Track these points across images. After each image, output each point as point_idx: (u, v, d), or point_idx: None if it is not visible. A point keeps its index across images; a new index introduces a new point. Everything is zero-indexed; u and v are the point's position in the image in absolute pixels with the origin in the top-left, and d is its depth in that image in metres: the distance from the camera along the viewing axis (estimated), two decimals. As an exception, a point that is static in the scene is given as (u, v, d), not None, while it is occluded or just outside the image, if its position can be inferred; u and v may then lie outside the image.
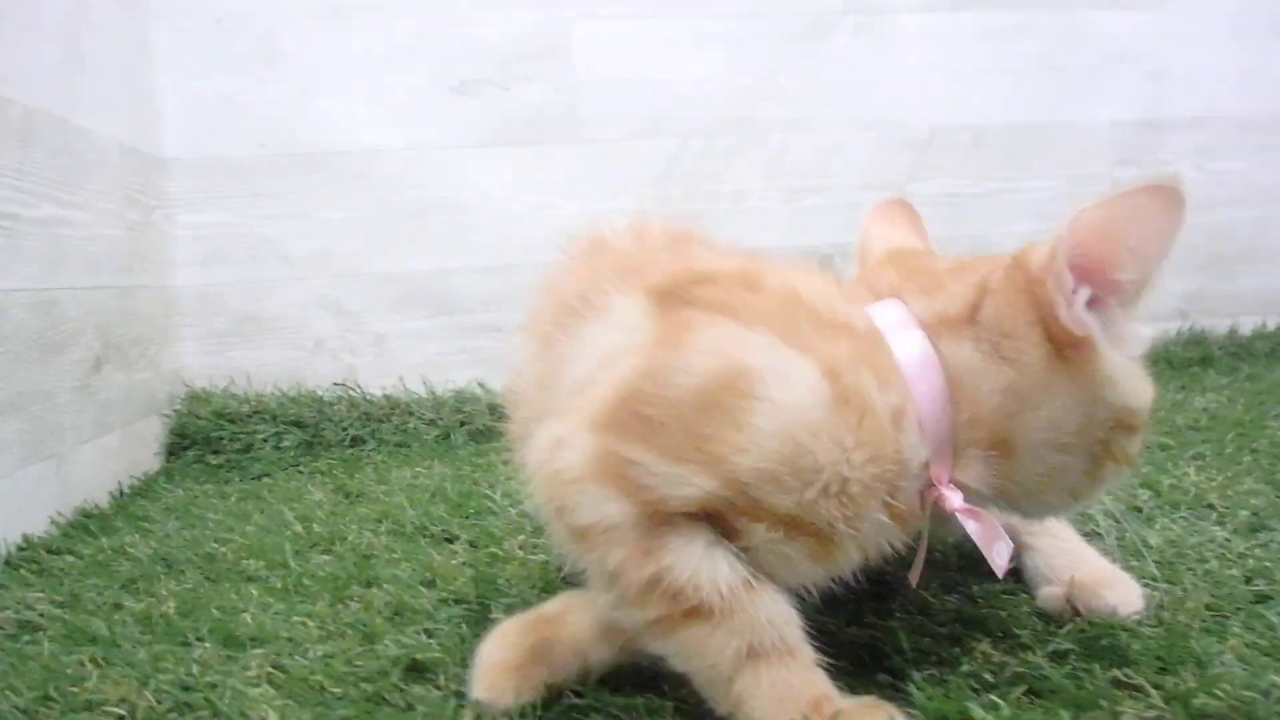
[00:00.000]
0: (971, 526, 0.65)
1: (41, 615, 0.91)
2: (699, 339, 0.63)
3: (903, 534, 0.65)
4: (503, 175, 1.85)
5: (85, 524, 1.25)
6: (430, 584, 0.94)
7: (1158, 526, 0.97)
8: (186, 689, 0.72)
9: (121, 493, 1.45)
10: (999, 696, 0.63)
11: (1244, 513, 1.00)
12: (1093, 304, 0.63)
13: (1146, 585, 0.79)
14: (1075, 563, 0.81)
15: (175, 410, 1.70)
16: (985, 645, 0.70)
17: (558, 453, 0.62)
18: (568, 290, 0.77)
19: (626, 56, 1.88)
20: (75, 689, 0.72)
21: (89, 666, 0.76)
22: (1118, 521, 0.92)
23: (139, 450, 1.56)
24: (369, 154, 1.81)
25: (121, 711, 0.68)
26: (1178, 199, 0.62)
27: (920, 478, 0.64)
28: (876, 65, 1.97)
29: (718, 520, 0.61)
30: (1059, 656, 0.69)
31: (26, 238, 1.20)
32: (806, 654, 0.62)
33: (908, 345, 0.65)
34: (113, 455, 1.46)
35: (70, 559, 1.10)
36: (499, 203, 1.86)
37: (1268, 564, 0.85)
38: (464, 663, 0.71)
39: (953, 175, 2.01)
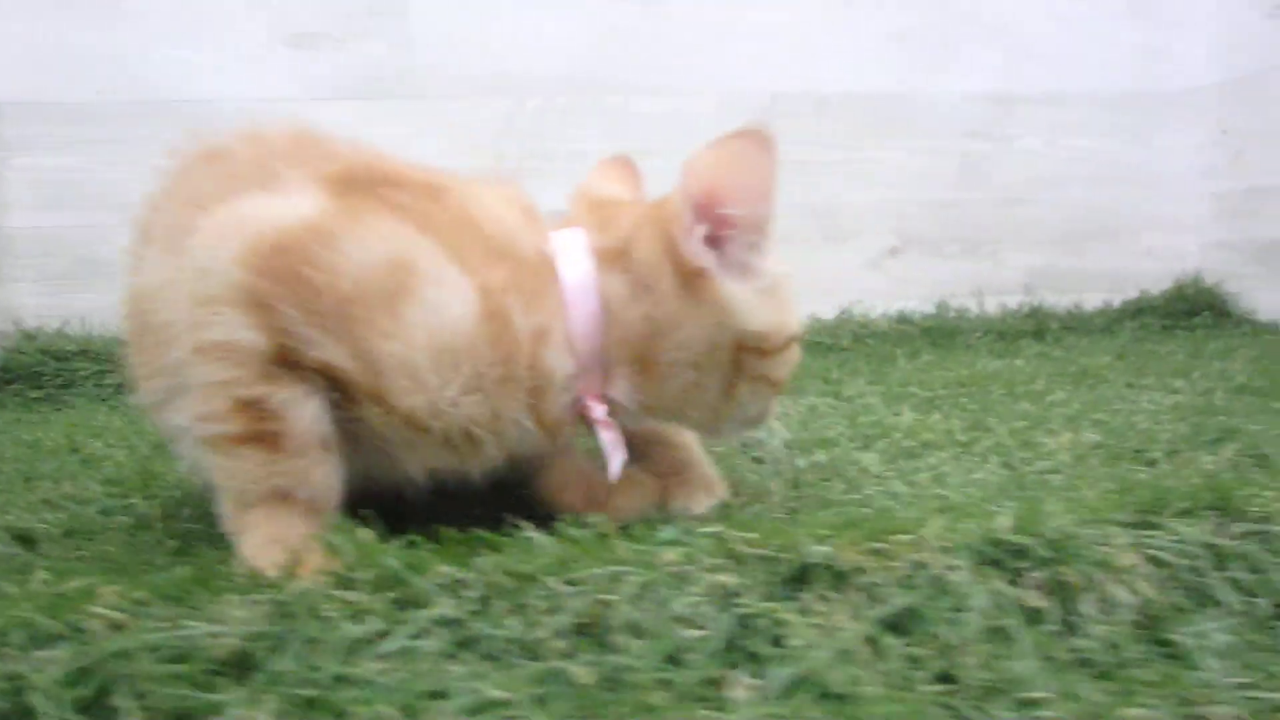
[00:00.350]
0: (604, 435, 0.73)
1: None
2: (376, 225, 0.69)
3: (552, 440, 0.74)
4: (336, 129, 1.89)
5: None
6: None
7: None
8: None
9: (-74, 419, 1.52)
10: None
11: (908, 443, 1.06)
12: (716, 241, 0.71)
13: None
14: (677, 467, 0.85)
15: (2, 347, 1.76)
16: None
17: (201, 281, 0.66)
18: (187, 195, 0.81)
19: (465, 13, 1.91)
20: None
21: None
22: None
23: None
24: (207, 103, 1.85)
25: None
26: (769, 142, 0.70)
27: (570, 390, 0.72)
28: (719, 29, 1.98)
29: (341, 386, 0.67)
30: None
31: None
32: (326, 522, 0.67)
33: (573, 272, 0.73)
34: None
35: None
36: (335, 155, 1.90)
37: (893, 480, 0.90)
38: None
39: (796, 142, 2.02)
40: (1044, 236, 2.12)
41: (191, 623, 0.52)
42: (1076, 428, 1.11)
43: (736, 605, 0.55)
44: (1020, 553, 0.59)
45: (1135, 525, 0.63)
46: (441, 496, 0.75)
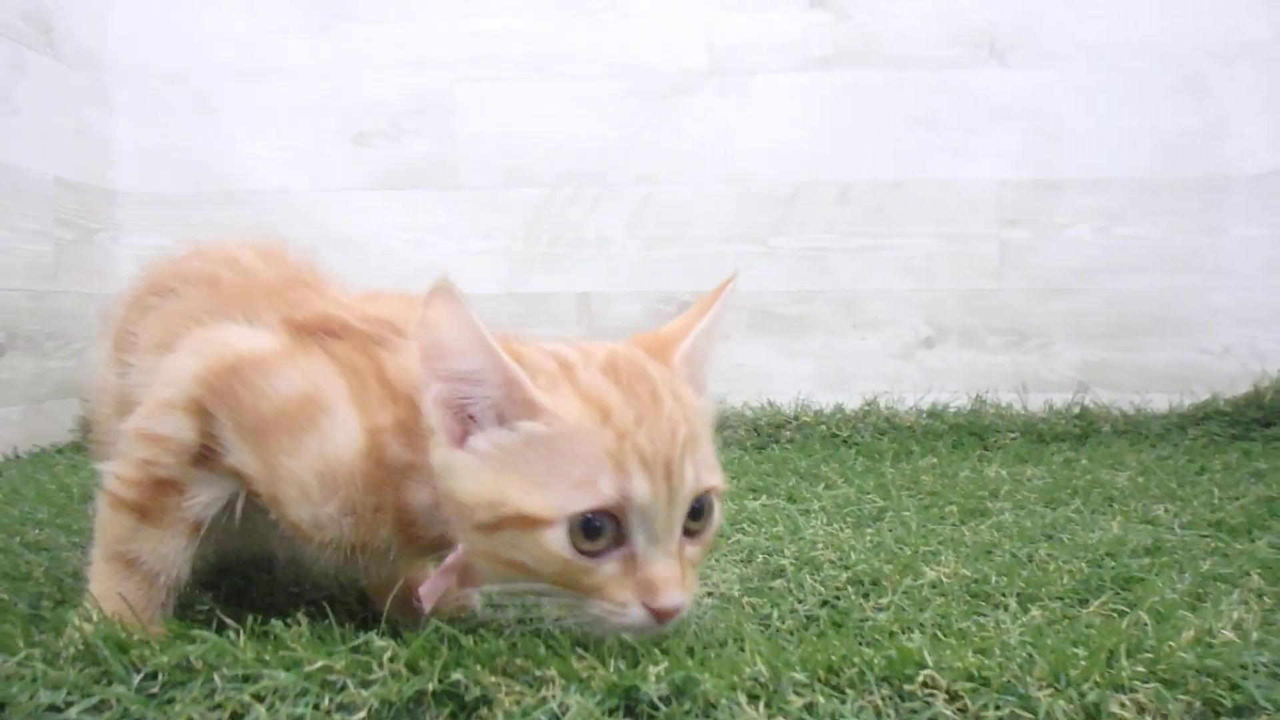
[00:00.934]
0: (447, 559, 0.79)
1: None
2: (305, 365, 0.80)
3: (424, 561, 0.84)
4: (388, 216, 2.10)
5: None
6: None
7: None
8: None
9: (17, 455, 1.81)
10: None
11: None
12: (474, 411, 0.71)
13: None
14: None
15: (85, 412, 2.06)
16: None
17: (166, 388, 0.80)
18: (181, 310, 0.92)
19: (502, 113, 2.08)
20: None
21: None
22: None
23: (48, 425, 1.92)
24: (278, 193, 2.11)
25: None
26: (451, 296, 0.68)
27: (435, 520, 0.76)
28: (740, 122, 2.04)
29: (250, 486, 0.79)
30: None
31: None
32: (158, 595, 0.79)
33: None
34: (12, 426, 1.82)
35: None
36: (383, 239, 2.10)
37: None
38: None
39: (818, 230, 2.03)
40: (1097, 330, 1.98)
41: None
42: (970, 555, 1.05)
43: None
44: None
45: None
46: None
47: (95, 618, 0.72)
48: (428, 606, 0.78)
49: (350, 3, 2.10)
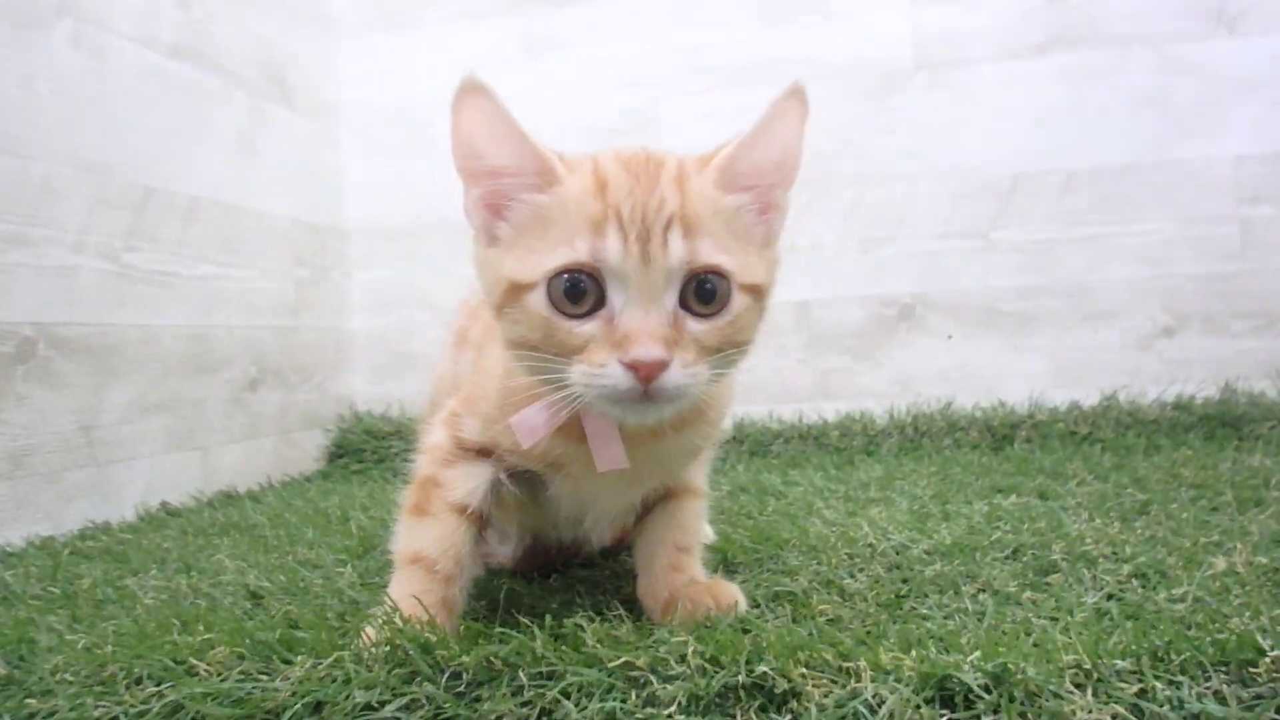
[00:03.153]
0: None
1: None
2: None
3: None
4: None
5: (215, 501, 1.72)
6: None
7: (924, 548, 1.02)
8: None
9: (270, 484, 1.92)
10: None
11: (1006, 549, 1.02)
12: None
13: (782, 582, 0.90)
14: None
15: (339, 428, 2.17)
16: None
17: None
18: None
19: (708, 126, 2.09)
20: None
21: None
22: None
23: (296, 455, 2.04)
24: (449, 226, 2.18)
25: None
26: (481, 93, 0.77)
27: None
28: (952, 116, 2.00)
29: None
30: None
31: (184, 289, 1.71)
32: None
33: None
34: (264, 455, 1.93)
35: (179, 519, 1.56)
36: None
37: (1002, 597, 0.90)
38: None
39: (1041, 221, 1.97)
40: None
41: (262, 677, 0.70)
42: (1262, 544, 1.00)
43: None
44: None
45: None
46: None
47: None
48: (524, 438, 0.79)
49: (558, 29, 2.16)
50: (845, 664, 0.66)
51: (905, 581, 0.94)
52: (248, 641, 0.76)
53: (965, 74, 1.99)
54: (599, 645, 0.71)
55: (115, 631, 0.86)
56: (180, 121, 1.74)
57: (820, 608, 0.85)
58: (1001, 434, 1.87)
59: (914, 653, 0.67)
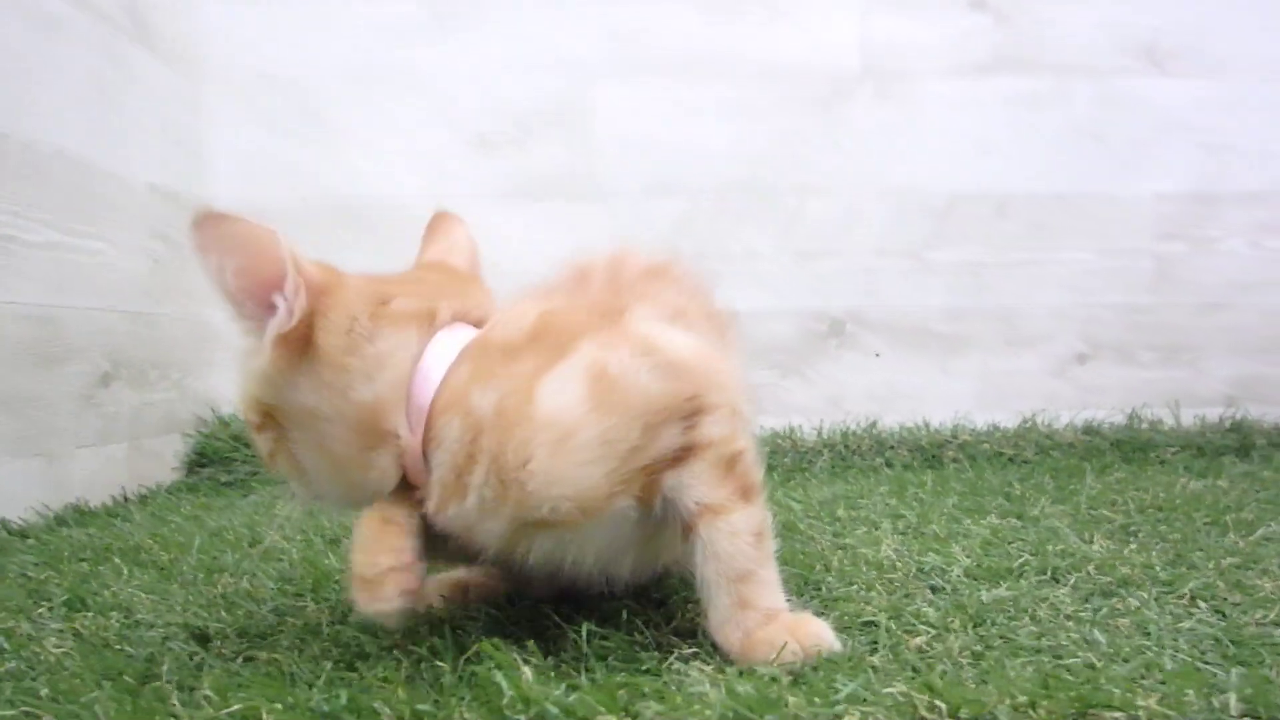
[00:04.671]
0: None
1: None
2: None
3: None
4: (518, 228, 1.94)
5: (65, 517, 1.39)
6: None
7: (1003, 585, 0.92)
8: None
9: (125, 497, 1.59)
10: None
11: (1104, 579, 0.94)
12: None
13: (923, 631, 0.77)
14: None
15: (199, 432, 1.84)
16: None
17: None
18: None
19: (644, 119, 1.95)
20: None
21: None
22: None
23: (152, 463, 1.71)
24: (394, 203, 1.93)
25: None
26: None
27: None
28: (896, 131, 1.96)
29: None
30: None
31: (25, 259, 1.37)
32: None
33: None
34: (118, 464, 1.60)
35: (28, 540, 1.23)
36: (513, 254, 1.94)
37: (1088, 624, 0.80)
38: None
39: (975, 244, 1.97)
40: (1249, 344, 1.97)
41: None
42: None
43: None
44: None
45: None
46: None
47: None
48: None
49: (478, -2, 1.94)
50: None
51: (962, 609, 0.84)
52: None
53: (912, 88, 1.95)
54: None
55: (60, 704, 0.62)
56: (24, 52, 1.39)
57: (911, 641, 0.74)
58: (930, 453, 1.85)
59: (1177, 695, 0.56)
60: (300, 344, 0.70)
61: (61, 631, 0.84)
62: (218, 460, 1.81)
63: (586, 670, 0.68)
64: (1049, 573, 0.98)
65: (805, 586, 0.92)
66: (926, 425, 1.92)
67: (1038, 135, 1.96)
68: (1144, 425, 1.93)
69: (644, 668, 0.68)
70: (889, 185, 1.96)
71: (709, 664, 0.69)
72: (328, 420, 0.70)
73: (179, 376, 1.80)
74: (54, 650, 0.78)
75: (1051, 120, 1.96)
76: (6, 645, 0.80)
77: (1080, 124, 1.97)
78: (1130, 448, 1.86)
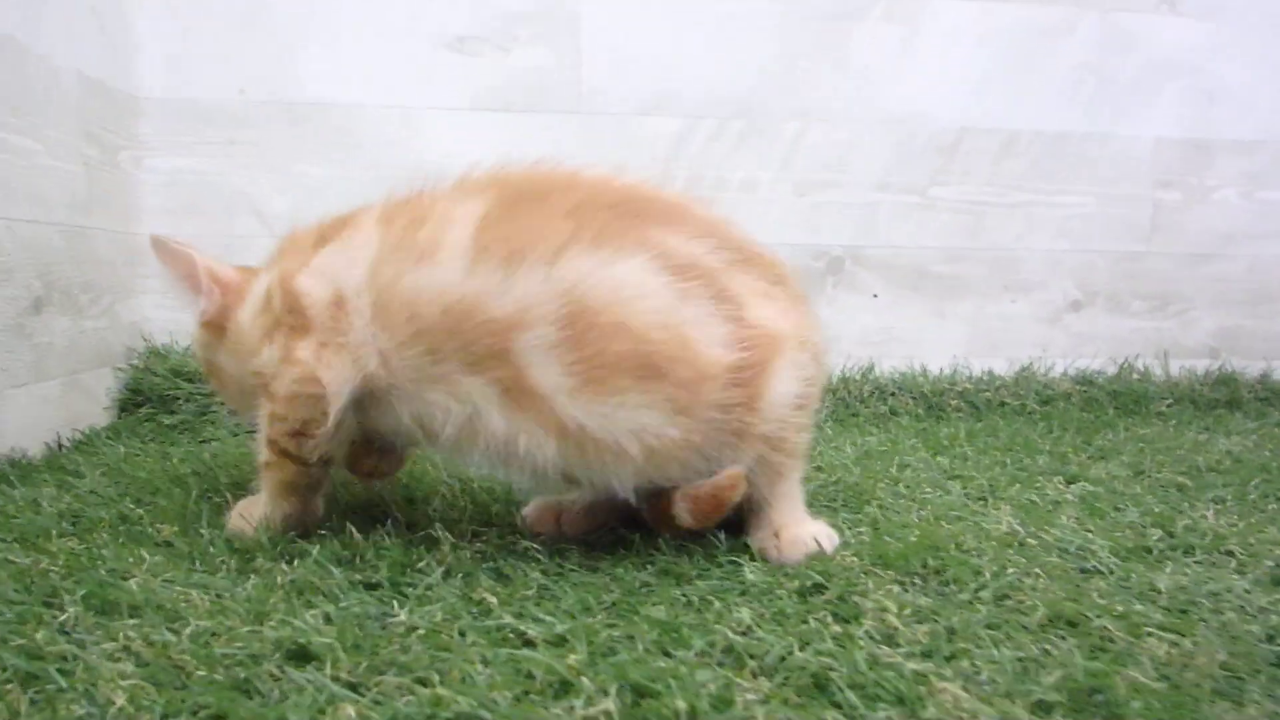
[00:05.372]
0: None
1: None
2: None
3: None
4: (495, 143, 1.75)
5: (6, 473, 1.17)
6: (347, 563, 0.84)
7: (1168, 570, 0.85)
8: (35, 657, 0.63)
9: (59, 445, 1.37)
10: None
11: (1268, 563, 0.87)
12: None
13: (1152, 635, 0.68)
14: None
15: (131, 365, 1.61)
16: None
17: None
18: None
19: (639, 26, 1.76)
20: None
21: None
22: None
23: (85, 402, 1.48)
24: (353, 110, 1.71)
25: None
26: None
27: None
28: (904, 56, 1.83)
29: None
30: (1044, 709, 0.58)
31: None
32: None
33: None
34: (52, 404, 1.37)
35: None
36: (490, 172, 1.75)
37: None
38: (356, 650, 0.65)
39: (979, 182, 1.88)
40: (1236, 296, 1.97)
41: None
42: None
43: None
44: None
45: None
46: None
47: None
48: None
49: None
50: None
51: (1150, 599, 0.76)
52: None
53: (922, 10, 1.82)
54: None
55: None
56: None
57: (1157, 650, 0.66)
58: (932, 401, 1.79)
59: None
60: (218, 327, 0.96)
61: (114, 655, 0.66)
62: (155, 398, 1.59)
63: None
64: (1194, 551, 0.90)
65: (973, 575, 0.81)
66: (925, 372, 1.85)
67: (1043, 69, 1.87)
68: (1135, 377, 1.91)
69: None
70: (896, 115, 1.84)
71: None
72: (234, 372, 0.96)
73: (110, 301, 1.55)
74: (121, 684, 0.60)
75: (1057, 54, 1.87)
76: (63, 682, 0.61)
77: (1084, 59, 1.88)
78: (1126, 399, 1.83)
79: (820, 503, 1.07)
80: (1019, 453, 1.40)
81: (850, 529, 0.95)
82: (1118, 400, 1.83)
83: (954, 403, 1.78)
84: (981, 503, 1.10)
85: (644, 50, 1.76)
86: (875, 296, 1.87)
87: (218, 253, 1.63)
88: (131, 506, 1.03)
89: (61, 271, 1.38)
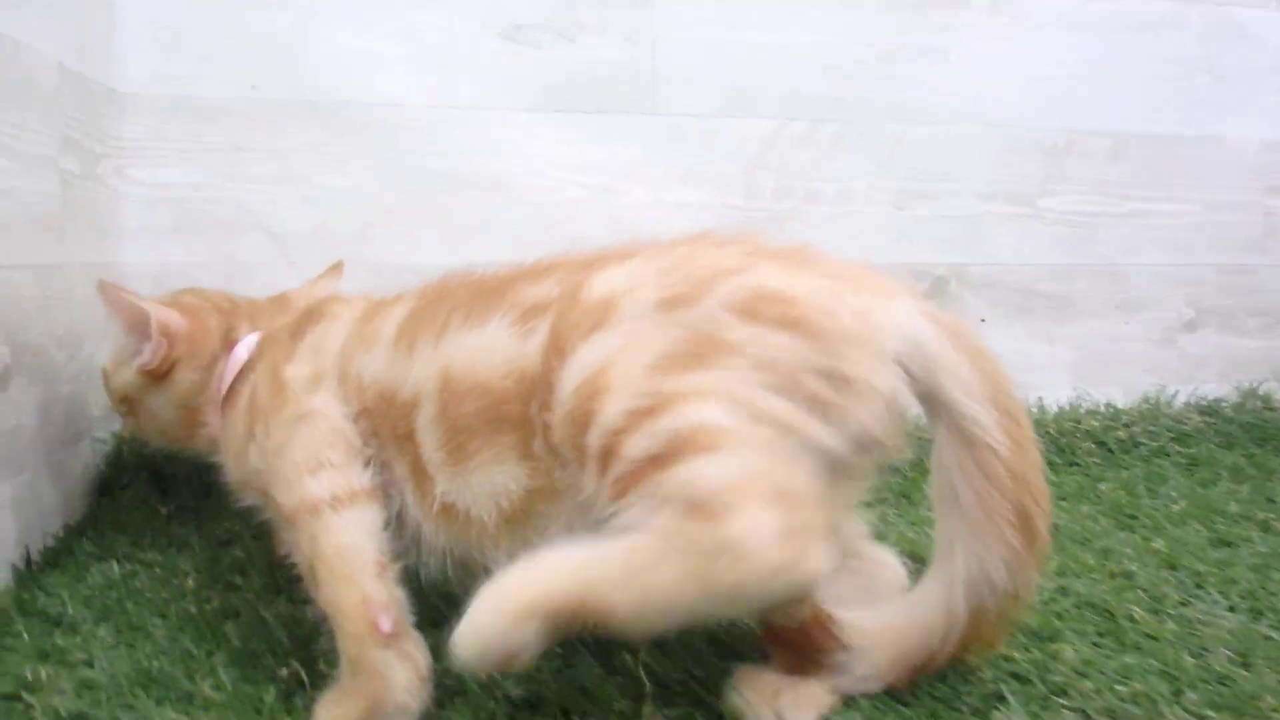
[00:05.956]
0: None
1: None
2: None
3: None
4: (554, 147, 1.46)
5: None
6: None
7: None
8: None
9: (28, 561, 1.01)
10: None
11: None
12: None
13: None
14: None
15: (112, 432, 1.26)
16: None
17: None
18: None
19: (718, 14, 1.50)
20: None
21: None
22: None
23: (56, 493, 1.12)
24: (389, 108, 1.39)
25: None
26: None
27: None
28: (1010, 47, 1.62)
29: None
30: None
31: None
32: None
33: None
34: (21, 506, 1.01)
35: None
36: (548, 181, 1.46)
37: None
38: None
39: (1088, 190, 1.68)
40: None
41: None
42: None
43: None
44: None
45: None
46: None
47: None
48: None
49: None
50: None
51: None
52: None
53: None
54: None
55: None
56: None
57: None
58: (1061, 444, 1.56)
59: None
60: (157, 375, 0.97)
61: None
62: (144, 473, 1.24)
63: None
64: None
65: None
66: (1041, 407, 1.63)
67: (1152, 66, 1.68)
68: (1258, 404, 1.73)
69: None
70: (1002, 114, 1.63)
71: None
72: (167, 415, 1.00)
73: (89, 352, 1.20)
74: None
75: (1165, 49, 1.69)
76: None
77: (1193, 55, 1.71)
78: (1259, 433, 1.64)
79: (1068, 630, 0.83)
80: (1216, 518, 1.19)
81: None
82: (1249, 434, 1.64)
83: (1084, 445, 1.56)
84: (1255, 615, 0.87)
85: (725, 38, 1.51)
86: (983, 321, 1.65)
87: (217, 283, 1.29)
88: (145, 698, 0.71)
89: (33, 327, 1.03)
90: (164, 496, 1.23)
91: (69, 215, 1.13)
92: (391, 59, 1.39)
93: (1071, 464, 1.52)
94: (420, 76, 1.40)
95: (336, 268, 1.17)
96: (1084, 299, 1.69)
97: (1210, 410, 1.68)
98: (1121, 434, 1.58)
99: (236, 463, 0.89)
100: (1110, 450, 1.56)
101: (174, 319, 0.96)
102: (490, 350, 0.74)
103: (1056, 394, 1.66)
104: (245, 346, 0.96)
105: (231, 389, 0.93)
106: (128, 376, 0.98)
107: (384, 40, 1.39)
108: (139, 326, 0.95)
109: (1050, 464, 1.51)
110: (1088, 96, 1.66)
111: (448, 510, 0.76)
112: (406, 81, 1.40)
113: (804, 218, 1.56)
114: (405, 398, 0.78)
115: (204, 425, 0.97)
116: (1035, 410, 1.63)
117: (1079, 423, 1.60)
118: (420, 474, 0.77)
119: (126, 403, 1.01)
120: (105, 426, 1.25)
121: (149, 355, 0.95)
